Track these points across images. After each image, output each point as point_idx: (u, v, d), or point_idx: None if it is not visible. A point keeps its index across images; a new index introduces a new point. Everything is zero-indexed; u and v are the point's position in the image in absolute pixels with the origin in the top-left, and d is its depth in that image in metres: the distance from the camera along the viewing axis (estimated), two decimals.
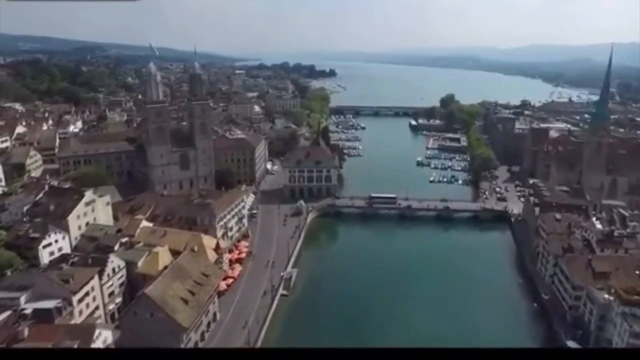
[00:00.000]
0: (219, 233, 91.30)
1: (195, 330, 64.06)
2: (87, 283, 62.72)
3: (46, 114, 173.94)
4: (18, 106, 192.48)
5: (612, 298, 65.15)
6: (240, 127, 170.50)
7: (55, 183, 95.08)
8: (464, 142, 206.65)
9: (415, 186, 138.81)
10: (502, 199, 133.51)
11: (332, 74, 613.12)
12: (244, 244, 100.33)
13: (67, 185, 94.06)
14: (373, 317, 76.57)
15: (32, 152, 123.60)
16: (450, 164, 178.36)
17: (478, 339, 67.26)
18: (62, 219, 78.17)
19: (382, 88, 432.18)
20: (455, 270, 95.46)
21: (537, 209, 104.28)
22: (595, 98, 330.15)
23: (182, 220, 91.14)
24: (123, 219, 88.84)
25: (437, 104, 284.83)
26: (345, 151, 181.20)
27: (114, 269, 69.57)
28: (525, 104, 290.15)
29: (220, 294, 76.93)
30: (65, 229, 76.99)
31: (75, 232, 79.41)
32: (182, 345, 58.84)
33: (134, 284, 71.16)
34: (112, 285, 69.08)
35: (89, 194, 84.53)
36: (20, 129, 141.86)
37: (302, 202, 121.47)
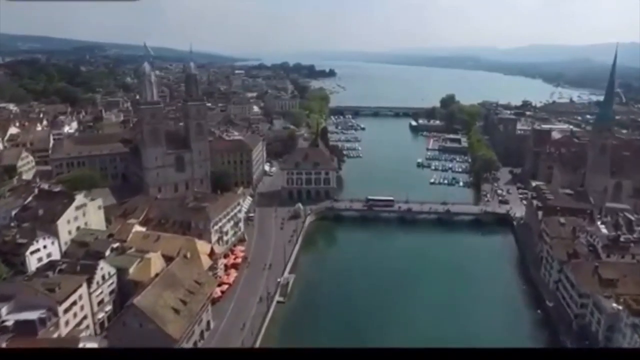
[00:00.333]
0: (214, 238, 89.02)
1: (187, 340, 61.56)
2: (74, 292, 60.06)
3: (41, 115, 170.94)
4: (12, 106, 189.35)
5: (620, 307, 62.65)
6: (238, 127, 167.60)
7: (45, 186, 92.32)
8: (464, 143, 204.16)
9: (415, 188, 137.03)
10: (504, 202, 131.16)
11: (331, 74, 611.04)
12: (240, 248, 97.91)
13: (58, 188, 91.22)
14: (373, 326, 73.88)
15: (24, 154, 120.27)
16: (450, 165, 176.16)
17: None
18: (52, 223, 75.68)
19: (382, 88, 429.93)
20: (456, 275, 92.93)
21: (540, 213, 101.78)
22: (596, 98, 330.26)
23: (177, 225, 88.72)
24: (115, 223, 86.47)
25: (438, 105, 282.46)
26: (344, 152, 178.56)
27: (103, 276, 67.13)
28: (526, 105, 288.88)
29: (214, 300, 74.64)
30: (55, 234, 74.52)
31: (65, 237, 76.86)
32: None
33: (125, 292, 68.47)
34: (101, 293, 66.58)
35: (79, 198, 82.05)
36: (13, 130, 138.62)
37: (300, 204, 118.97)
